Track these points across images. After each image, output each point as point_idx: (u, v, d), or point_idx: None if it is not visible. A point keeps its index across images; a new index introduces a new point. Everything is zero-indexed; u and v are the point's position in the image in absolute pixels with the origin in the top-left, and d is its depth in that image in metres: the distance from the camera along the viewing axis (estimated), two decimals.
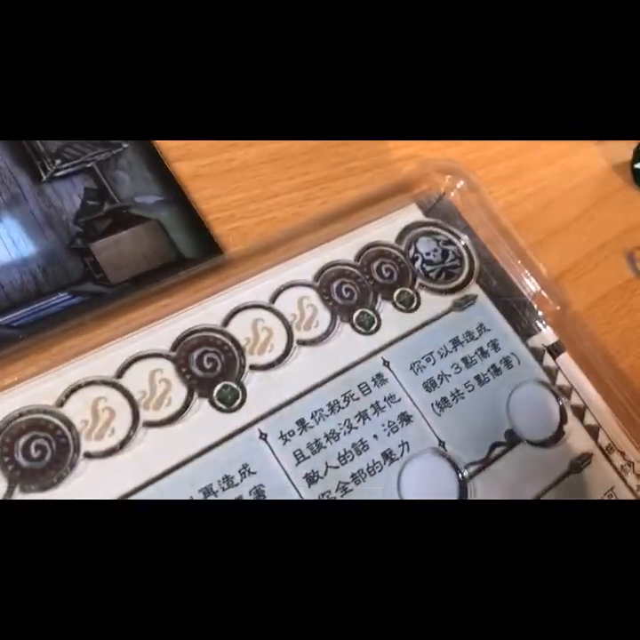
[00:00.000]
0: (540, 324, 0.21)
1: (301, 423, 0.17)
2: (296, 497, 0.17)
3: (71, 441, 0.16)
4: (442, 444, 0.18)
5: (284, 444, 0.17)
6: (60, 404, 0.16)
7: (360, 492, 0.17)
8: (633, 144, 0.26)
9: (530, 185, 0.24)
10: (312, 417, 0.17)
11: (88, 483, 0.16)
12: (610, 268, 0.23)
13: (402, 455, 0.18)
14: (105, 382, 0.17)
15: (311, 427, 0.17)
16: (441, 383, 0.19)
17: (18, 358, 0.17)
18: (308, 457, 0.17)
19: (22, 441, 0.16)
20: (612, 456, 0.19)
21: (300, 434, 0.17)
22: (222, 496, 0.16)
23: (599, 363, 0.20)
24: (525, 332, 0.20)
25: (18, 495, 0.15)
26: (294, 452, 0.17)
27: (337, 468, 0.17)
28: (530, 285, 0.21)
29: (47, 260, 0.18)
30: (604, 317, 0.22)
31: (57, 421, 0.16)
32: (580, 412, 0.20)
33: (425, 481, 0.18)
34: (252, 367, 0.18)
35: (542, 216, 0.23)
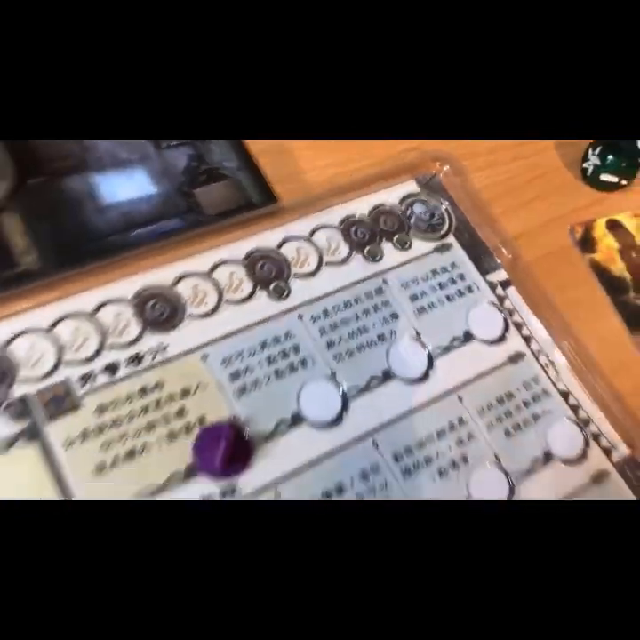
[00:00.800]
0: (496, 267, 0.29)
1: (325, 312, 0.26)
2: (319, 359, 0.25)
3: (180, 307, 0.25)
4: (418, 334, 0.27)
5: (314, 322, 0.26)
6: (173, 285, 0.25)
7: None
8: (584, 145, 0.34)
9: (501, 174, 0.33)
10: (333, 308, 0.26)
11: (190, 333, 0.25)
12: (555, 236, 0.32)
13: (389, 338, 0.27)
14: (201, 275, 0.26)
15: (331, 315, 0.26)
16: (422, 297, 0.28)
17: (144, 258, 0.26)
18: (329, 332, 0.26)
19: (149, 304, 0.25)
20: (538, 355, 0.28)
21: (324, 319, 0.26)
22: (270, 349, 0.25)
23: (536, 295, 0.29)
24: (485, 270, 0.29)
25: (147, 336, 0.24)
26: (319, 328, 0.26)
27: (347, 340, 0.26)
28: (492, 240, 0.30)
29: (165, 198, 0.27)
30: (544, 268, 0.30)
31: (171, 295, 0.25)
32: (518, 326, 0.28)
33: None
34: (295, 275, 0.27)
35: (507, 196, 0.32)
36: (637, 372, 0.29)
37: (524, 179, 0.33)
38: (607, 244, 0.32)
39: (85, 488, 0.21)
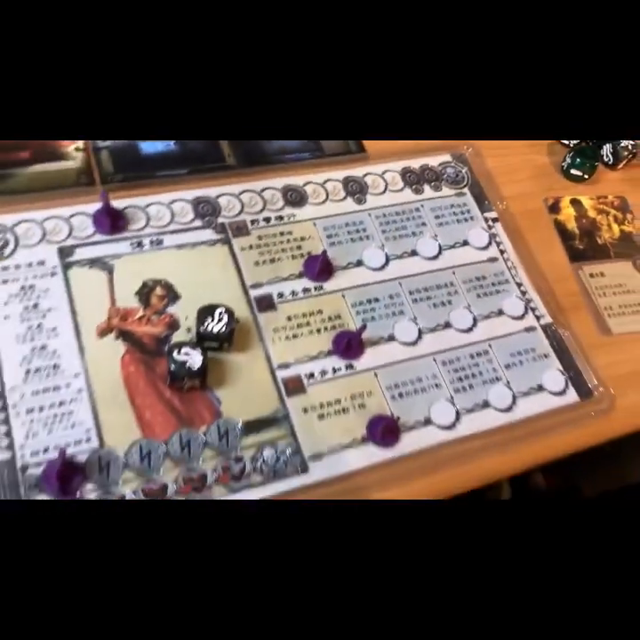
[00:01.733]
0: (491, 210, 0.48)
1: (385, 214, 0.46)
2: (376, 238, 0.45)
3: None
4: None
5: (377, 219, 0.46)
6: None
7: None
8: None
9: (507, 160, 0.52)
10: (391, 213, 0.46)
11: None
12: (534, 201, 0.50)
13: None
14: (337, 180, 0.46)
15: (390, 215, 0.46)
16: (442, 217, 0.47)
17: (290, 168, 0.46)
18: (386, 225, 0.46)
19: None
20: (506, 260, 0.46)
21: (384, 217, 0.46)
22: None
23: (512, 230, 0.48)
24: (484, 210, 0.48)
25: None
26: (381, 222, 0.46)
27: (395, 231, 0.45)
28: (492, 196, 0.49)
29: (301, 143, 0.48)
30: (522, 218, 0.49)
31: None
32: (497, 243, 0.47)
33: None
34: (370, 193, 0.46)
35: (508, 174, 0.51)
36: (567, 282, 0.47)
37: (521, 165, 0.52)
38: (567, 212, 0.50)
39: (250, 273, 0.41)
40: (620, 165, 0.53)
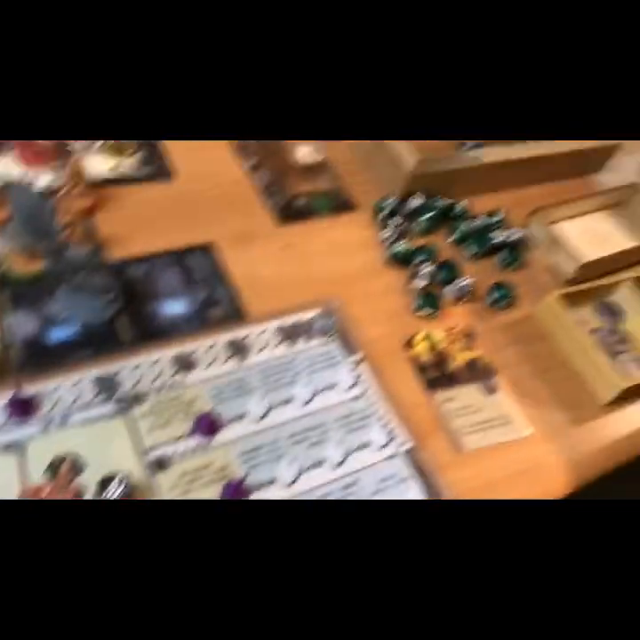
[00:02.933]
0: (354, 353, 0.57)
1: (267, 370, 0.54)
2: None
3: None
4: None
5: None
6: None
7: None
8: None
9: (367, 308, 0.62)
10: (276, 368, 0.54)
11: None
12: (393, 341, 0.60)
13: None
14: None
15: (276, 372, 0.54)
16: (317, 364, 0.55)
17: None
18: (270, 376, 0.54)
19: None
20: (370, 397, 0.55)
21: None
22: None
23: (377, 371, 0.57)
24: (348, 354, 0.57)
25: None
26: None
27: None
28: (354, 341, 0.58)
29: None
30: (385, 356, 0.58)
31: None
32: (364, 385, 0.56)
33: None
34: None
35: (368, 320, 0.60)
36: (424, 409, 0.56)
37: (380, 310, 0.62)
38: (421, 346, 0.60)
39: (147, 437, 0.48)
40: (464, 301, 0.64)
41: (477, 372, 0.59)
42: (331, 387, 0.55)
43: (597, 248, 0.73)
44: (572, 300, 0.65)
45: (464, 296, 0.63)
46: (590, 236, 0.75)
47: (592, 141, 0.78)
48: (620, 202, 0.79)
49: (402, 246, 0.64)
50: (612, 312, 0.67)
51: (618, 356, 0.63)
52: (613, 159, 0.84)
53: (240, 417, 0.51)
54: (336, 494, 0.49)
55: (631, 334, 0.66)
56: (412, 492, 0.50)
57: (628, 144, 0.84)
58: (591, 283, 0.67)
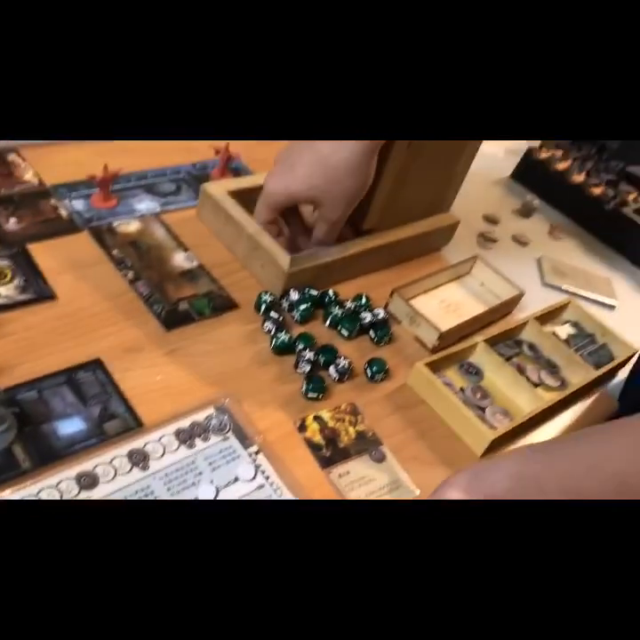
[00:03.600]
0: (251, 445, 0.61)
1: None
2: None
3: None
4: None
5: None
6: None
7: None
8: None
9: (258, 399, 0.66)
10: (176, 468, 0.57)
11: None
12: (287, 426, 0.64)
13: None
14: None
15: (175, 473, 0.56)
16: (217, 460, 0.58)
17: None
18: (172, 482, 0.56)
19: None
20: (271, 485, 0.58)
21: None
22: None
23: (274, 458, 0.61)
24: (246, 446, 0.61)
25: None
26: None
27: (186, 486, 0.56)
28: (250, 433, 0.62)
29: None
30: (281, 442, 0.62)
31: None
32: (262, 471, 0.59)
33: None
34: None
35: (260, 411, 0.65)
36: (323, 487, 0.60)
37: (270, 399, 0.67)
38: (313, 428, 0.65)
39: None
40: (345, 379, 0.70)
41: (365, 444, 0.65)
42: (233, 481, 0.58)
43: (453, 316, 0.83)
44: (438, 365, 0.73)
45: (345, 375, 0.70)
46: (445, 305, 0.85)
47: (437, 222, 0.90)
48: (465, 273, 0.91)
49: (283, 337, 0.70)
50: (473, 371, 0.76)
51: (484, 411, 0.72)
52: (455, 235, 0.96)
53: None
54: None
55: (489, 389, 0.75)
56: None
57: (464, 220, 0.97)
58: (451, 348, 0.76)
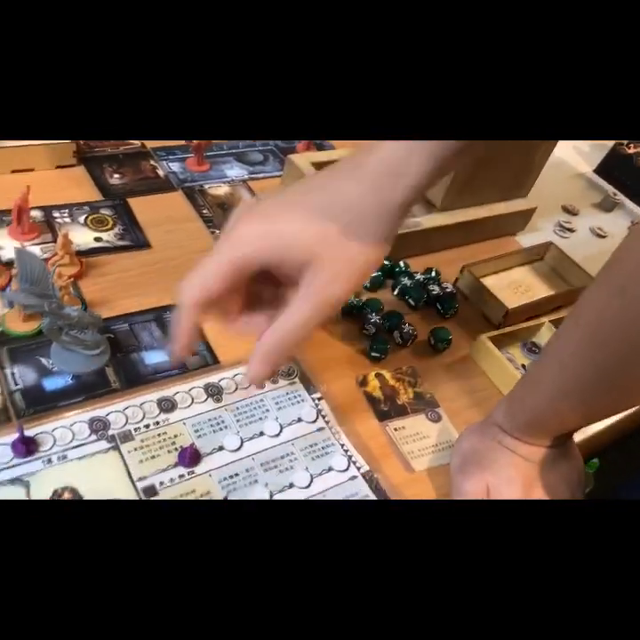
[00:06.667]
0: (315, 392, 0.65)
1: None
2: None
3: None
4: None
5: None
6: None
7: None
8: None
9: (325, 354, 0.70)
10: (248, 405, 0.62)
11: None
12: (349, 381, 0.68)
13: None
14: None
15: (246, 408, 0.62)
16: (282, 402, 0.63)
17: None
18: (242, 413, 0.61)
19: None
20: (331, 428, 0.63)
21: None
22: None
23: (336, 406, 0.65)
24: (310, 392, 0.65)
25: None
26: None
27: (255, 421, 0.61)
28: (315, 382, 0.66)
29: None
30: (342, 393, 0.66)
31: None
32: (323, 416, 0.64)
33: None
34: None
35: (326, 363, 0.69)
36: (378, 437, 0.64)
37: (337, 356, 0.71)
38: (373, 384, 0.69)
39: (136, 469, 0.55)
40: (409, 344, 0.73)
41: (422, 405, 0.68)
42: (296, 421, 0.63)
43: (521, 298, 0.84)
44: (501, 340, 0.75)
45: (408, 340, 0.73)
46: (514, 287, 0.87)
47: (514, 206, 0.92)
48: (538, 257, 0.92)
49: (351, 299, 0.74)
50: (536, 351, 0.78)
51: None
52: (531, 221, 0.97)
53: (218, 449, 0.58)
54: None
55: None
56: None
57: (542, 208, 0.98)
58: (516, 326, 0.78)
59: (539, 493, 0.58)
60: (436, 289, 0.79)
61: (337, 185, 0.44)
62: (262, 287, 0.48)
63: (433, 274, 0.82)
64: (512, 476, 0.57)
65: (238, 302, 0.48)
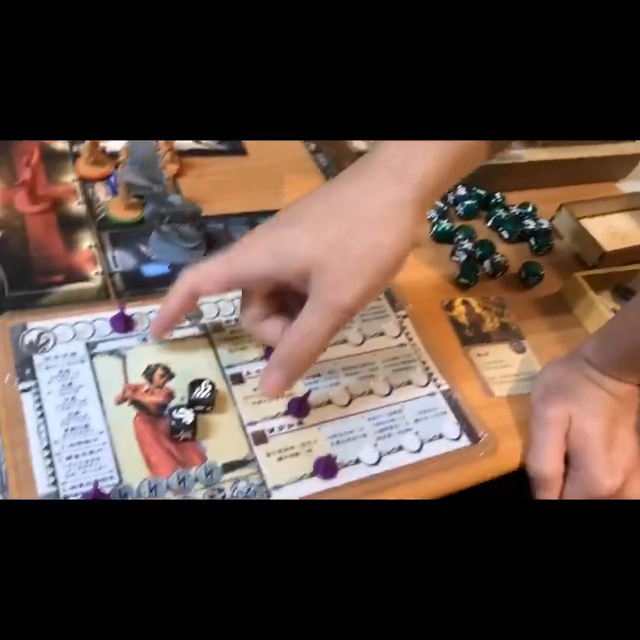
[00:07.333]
0: (400, 309, 0.65)
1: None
2: None
3: None
4: None
5: None
6: None
7: None
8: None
9: (411, 277, 0.70)
10: None
11: None
12: (435, 304, 0.68)
13: None
14: None
15: None
16: (367, 314, 0.63)
17: None
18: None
19: None
20: (413, 346, 0.62)
21: None
22: None
23: (417, 323, 0.64)
24: (395, 310, 0.65)
25: None
26: None
27: None
28: (401, 300, 0.66)
29: None
30: (427, 315, 0.66)
31: None
32: (407, 333, 0.63)
33: None
34: None
35: (412, 286, 0.68)
36: (460, 360, 0.63)
37: (424, 280, 0.70)
38: (459, 309, 0.68)
39: (225, 357, 0.56)
40: (498, 275, 0.72)
41: (507, 335, 0.67)
42: (379, 334, 0.63)
43: (617, 242, 0.81)
44: (594, 282, 0.73)
45: (498, 270, 0.71)
46: (612, 232, 0.83)
47: (619, 148, 0.87)
48: (639, 206, 0.87)
49: (444, 225, 0.73)
50: (628, 296, 0.75)
51: None
52: (635, 169, 0.92)
53: None
54: (383, 418, 0.56)
55: None
56: (449, 423, 0.57)
57: None
58: (610, 269, 0.75)
59: (622, 431, 0.56)
60: (531, 224, 0.77)
61: (341, 191, 0.44)
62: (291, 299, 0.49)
63: (529, 208, 0.79)
64: (597, 409, 0.56)
65: (264, 305, 0.49)
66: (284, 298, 0.48)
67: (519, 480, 0.57)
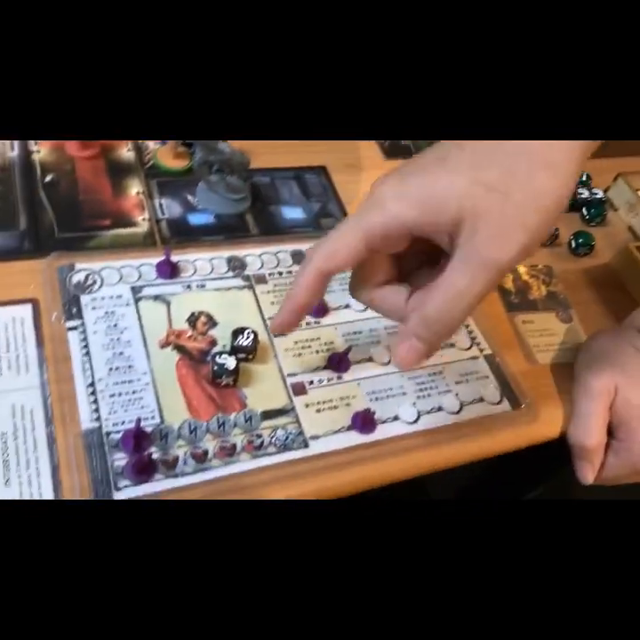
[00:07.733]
0: None
1: None
2: None
3: None
4: None
5: None
6: None
7: None
8: None
9: None
10: None
11: None
12: None
13: None
14: None
15: None
16: None
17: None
18: None
19: None
20: None
21: None
22: None
23: None
24: None
25: None
26: None
27: None
28: None
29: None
30: None
31: None
32: None
33: None
34: None
35: None
36: (504, 326, 0.62)
37: None
38: (507, 275, 0.66)
39: (267, 309, 0.56)
40: (548, 244, 0.70)
41: (554, 304, 0.66)
42: None
43: None
44: None
45: (548, 239, 0.69)
46: None
47: None
48: None
49: None
50: None
51: None
52: None
53: (345, 306, 0.59)
54: (423, 378, 0.56)
55: None
56: (490, 387, 0.57)
57: None
58: None
59: None
60: (584, 193, 0.75)
61: (486, 143, 0.36)
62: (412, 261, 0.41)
63: (584, 177, 0.76)
64: None
65: (385, 270, 0.41)
66: (402, 262, 0.41)
67: (559, 448, 0.56)
